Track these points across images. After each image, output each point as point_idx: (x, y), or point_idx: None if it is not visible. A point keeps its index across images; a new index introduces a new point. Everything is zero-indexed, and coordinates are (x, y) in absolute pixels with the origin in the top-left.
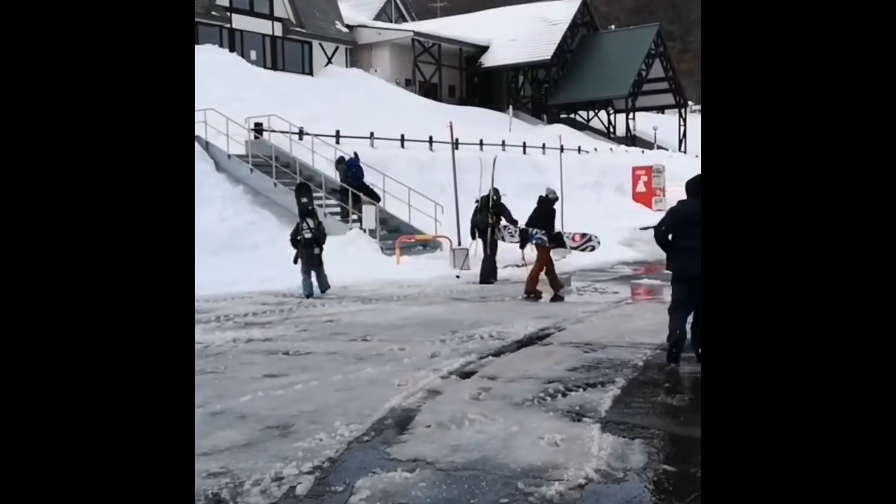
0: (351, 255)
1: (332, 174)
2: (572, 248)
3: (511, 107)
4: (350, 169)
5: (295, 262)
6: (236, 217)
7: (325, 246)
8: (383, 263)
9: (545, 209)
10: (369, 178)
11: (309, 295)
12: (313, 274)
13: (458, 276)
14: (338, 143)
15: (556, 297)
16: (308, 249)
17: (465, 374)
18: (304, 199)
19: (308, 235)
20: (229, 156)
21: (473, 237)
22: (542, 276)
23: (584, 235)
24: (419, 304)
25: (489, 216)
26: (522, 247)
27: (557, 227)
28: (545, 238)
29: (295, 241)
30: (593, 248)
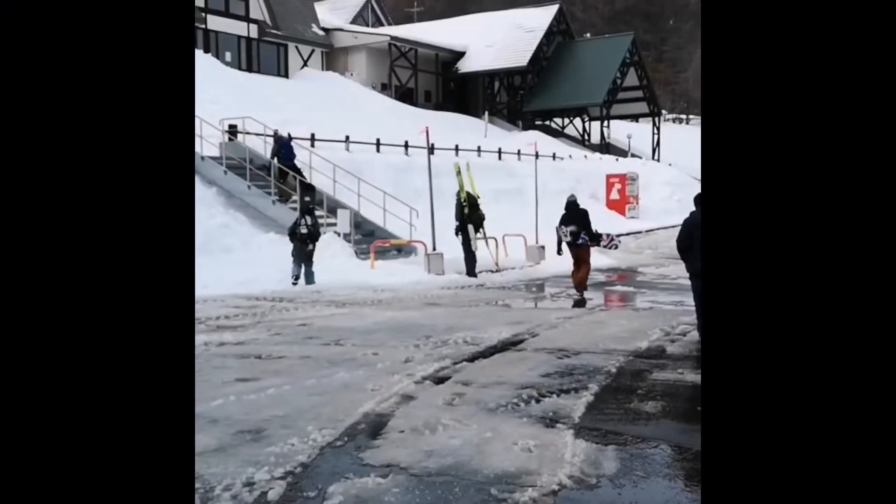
0: (325, 259)
1: (308, 177)
2: (602, 247)
3: (487, 113)
4: (282, 150)
5: (293, 254)
6: (209, 219)
7: (317, 243)
8: (358, 268)
9: (581, 211)
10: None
11: (296, 277)
12: (304, 266)
13: (293, 282)
14: (313, 146)
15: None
16: (302, 245)
17: (439, 380)
18: (307, 199)
19: (304, 231)
20: (203, 157)
21: (459, 234)
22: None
23: (608, 235)
24: (393, 308)
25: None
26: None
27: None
28: (587, 238)
29: (292, 235)
30: (615, 247)
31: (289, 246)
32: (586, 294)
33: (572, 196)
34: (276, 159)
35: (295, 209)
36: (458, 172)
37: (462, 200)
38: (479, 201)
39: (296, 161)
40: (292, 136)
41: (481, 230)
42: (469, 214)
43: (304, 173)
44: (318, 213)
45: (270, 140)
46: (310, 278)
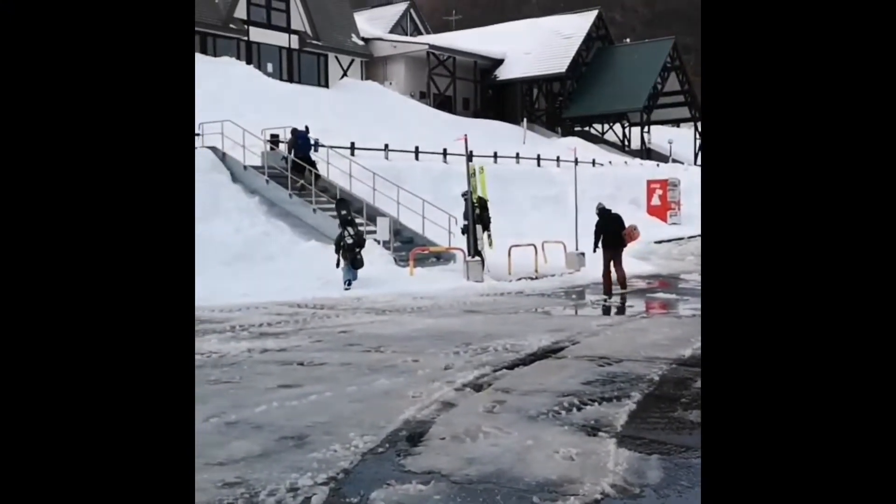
0: (365, 266)
1: (347, 186)
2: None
3: (525, 120)
4: (298, 140)
5: (337, 265)
6: (251, 228)
7: (362, 249)
8: (397, 275)
9: (615, 216)
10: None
11: (349, 282)
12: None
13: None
14: (353, 154)
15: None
16: (351, 253)
17: (480, 387)
18: (344, 212)
19: (350, 241)
20: (245, 167)
21: (476, 233)
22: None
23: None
24: (433, 315)
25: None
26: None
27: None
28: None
29: (338, 247)
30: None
31: (329, 253)
32: (628, 301)
33: (601, 204)
34: (292, 153)
35: (324, 210)
36: (472, 174)
37: (474, 202)
38: (488, 204)
39: (311, 154)
40: (309, 129)
41: (487, 232)
42: (479, 215)
43: (339, 179)
44: (357, 220)
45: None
46: (353, 276)
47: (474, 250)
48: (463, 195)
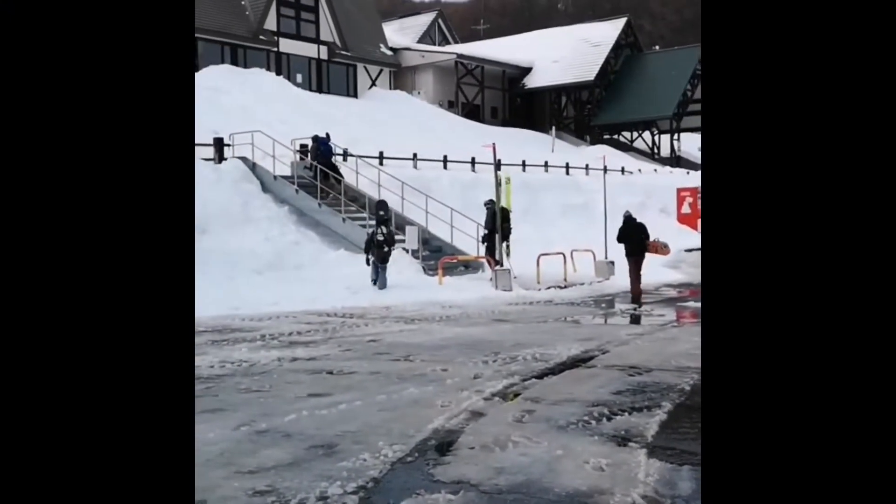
0: (394, 274)
1: (376, 195)
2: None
3: (554, 128)
4: (320, 147)
5: (367, 263)
6: (281, 237)
7: (393, 248)
8: (426, 283)
9: (639, 225)
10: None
11: (375, 281)
12: (379, 269)
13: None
14: (381, 164)
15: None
16: (379, 249)
17: (509, 396)
18: (382, 212)
19: (381, 238)
20: (275, 177)
21: (494, 241)
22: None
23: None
24: (461, 324)
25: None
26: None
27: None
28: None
29: (369, 243)
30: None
31: (358, 263)
32: (658, 310)
33: (627, 212)
34: (315, 160)
35: (352, 219)
36: (499, 184)
37: (497, 211)
38: (510, 215)
39: (333, 159)
40: (330, 135)
41: (507, 242)
42: (500, 225)
43: (368, 188)
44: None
45: (339, 159)
46: (383, 283)
47: (493, 260)
48: (485, 204)
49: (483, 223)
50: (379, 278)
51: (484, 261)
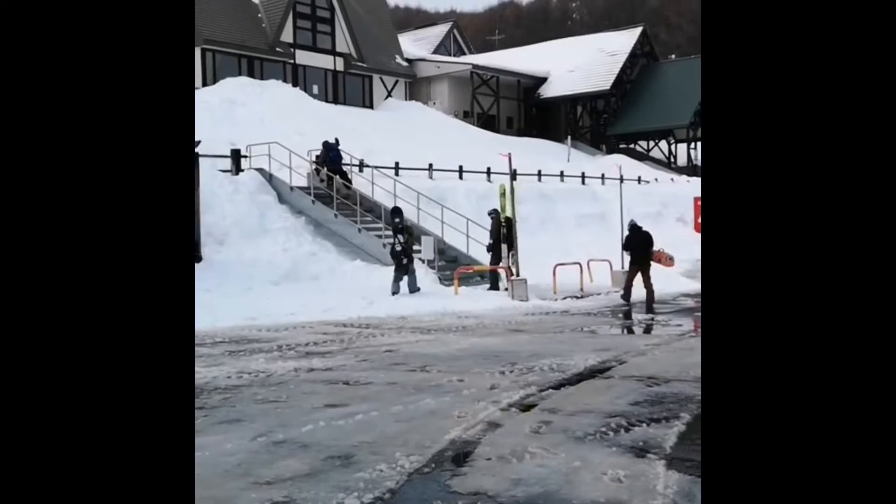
0: (409, 284)
1: (392, 205)
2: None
3: (570, 137)
4: (329, 153)
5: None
6: (298, 248)
7: (412, 255)
8: (442, 294)
9: (644, 234)
10: (424, 206)
11: (395, 293)
12: (403, 279)
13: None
14: (397, 174)
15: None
16: (397, 260)
17: (526, 407)
18: (397, 220)
19: (398, 248)
20: (292, 188)
21: (500, 250)
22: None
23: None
24: (478, 335)
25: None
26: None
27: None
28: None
29: (393, 253)
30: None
31: (373, 272)
32: (676, 320)
33: (633, 220)
34: (325, 166)
35: (368, 230)
36: (503, 194)
37: (502, 221)
38: (515, 224)
39: (343, 165)
40: (339, 141)
41: (512, 251)
42: (506, 235)
43: (384, 199)
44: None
45: (355, 169)
46: (412, 286)
47: (508, 270)
48: (489, 213)
49: (489, 233)
50: (409, 285)
51: (501, 271)
